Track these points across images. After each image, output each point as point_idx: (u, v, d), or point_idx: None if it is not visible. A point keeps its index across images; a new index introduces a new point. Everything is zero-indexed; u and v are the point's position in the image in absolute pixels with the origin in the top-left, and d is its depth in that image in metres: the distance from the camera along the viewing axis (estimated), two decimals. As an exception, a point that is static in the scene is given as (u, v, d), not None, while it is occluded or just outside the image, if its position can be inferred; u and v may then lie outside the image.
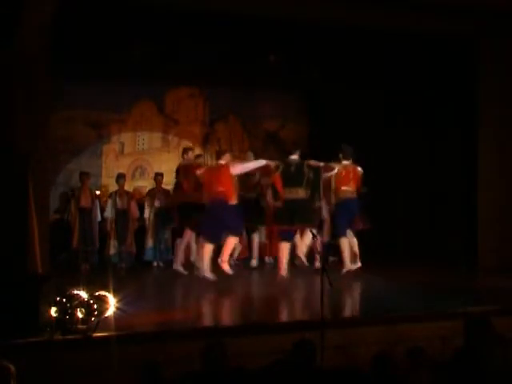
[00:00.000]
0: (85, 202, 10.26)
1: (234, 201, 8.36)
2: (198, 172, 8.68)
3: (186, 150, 9.67)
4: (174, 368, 4.18)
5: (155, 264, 10.47)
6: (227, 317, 6.74)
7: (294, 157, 8.51)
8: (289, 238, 8.41)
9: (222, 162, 8.49)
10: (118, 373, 4.91)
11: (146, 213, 10.62)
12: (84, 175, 10.42)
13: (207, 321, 6.51)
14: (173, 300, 7.45)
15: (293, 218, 8.26)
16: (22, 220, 5.76)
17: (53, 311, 5.19)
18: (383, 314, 6.64)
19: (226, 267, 8.27)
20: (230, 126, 12.66)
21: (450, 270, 9.28)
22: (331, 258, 9.99)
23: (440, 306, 6.65)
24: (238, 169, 8.57)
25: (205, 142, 12.33)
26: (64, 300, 5.21)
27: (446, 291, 7.55)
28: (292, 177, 8.35)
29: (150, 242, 10.52)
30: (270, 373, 3.94)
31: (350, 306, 7.45)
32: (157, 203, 10.46)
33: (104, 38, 9.25)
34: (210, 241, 8.28)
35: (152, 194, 10.70)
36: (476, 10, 8.71)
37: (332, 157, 8.87)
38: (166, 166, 11.95)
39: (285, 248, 8.33)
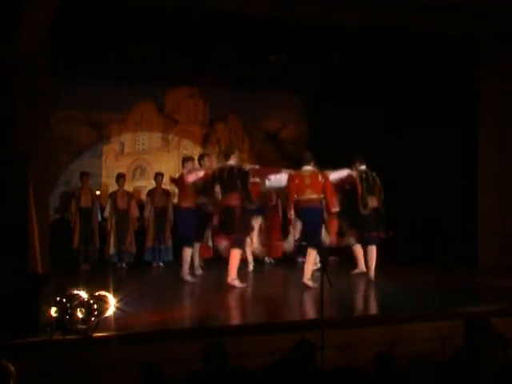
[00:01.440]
0: (85, 202, 10.27)
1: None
2: (274, 176, 8.59)
3: (231, 154, 8.54)
4: (174, 368, 4.18)
5: (155, 264, 10.48)
6: (227, 317, 6.73)
7: (364, 167, 8.85)
8: (373, 242, 8.77)
9: (311, 167, 8.29)
10: (118, 373, 4.91)
11: (146, 213, 10.62)
12: (84, 175, 10.43)
13: (207, 321, 6.50)
14: (173, 300, 7.44)
15: (368, 226, 8.73)
16: (22, 220, 5.76)
17: (53, 311, 5.19)
18: (383, 314, 6.65)
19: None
20: (230, 126, 12.65)
21: (449, 270, 9.28)
22: (332, 258, 10.00)
23: (440, 305, 6.65)
24: (332, 177, 8.57)
25: (205, 141, 12.33)
26: (64, 300, 5.21)
27: (446, 291, 7.55)
28: (369, 186, 8.79)
29: (149, 242, 10.53)
30: (270, 373, 3.93)
31: (350, 305, 7.44)
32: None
33: (104, 37, 9.24)
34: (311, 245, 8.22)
35: (152, 193, 10.70)
36: (476, 11, 8.71)
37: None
38: (166, 166, 11.95)
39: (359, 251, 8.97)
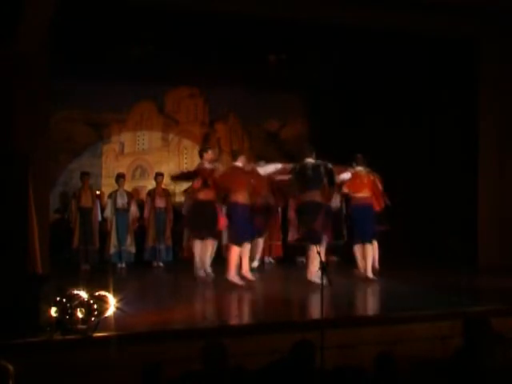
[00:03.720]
0: (85, 201, 10.26)
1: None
2: (344, 176, 8.68)
3: (313, 151, 8.42)
4: (174, 368, 4.18)
5: (155, 264, 10.48)
6: (227, 317, 6.73)
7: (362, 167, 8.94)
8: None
9: (362, 168, 8.80)
10: (118, 373, 4.91)
11: (146, 213, 10.62)
12: (85, 175, 10.42)
13: (207, 321, 6.50)
14: (173, 300, 7.44)
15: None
16: (22, 220, 5.76)
17: (53, 311, 5.18)
18: (383, 314, 6.65)
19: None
20: (230, 126, 12.66)
21: (449, 270, 9.28)
22: (332, 258, 9.99)
23: (440, 305, 6.65)
24: None
25: (205, 141, 12.33)
26: (64, 300, 5.21)
27: (446, 291, 7.55)
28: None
29: (150, 242, 10.53)
30: (269, 373, 3.94)
31: (350, 305, 7.44)
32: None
33: (104, 37, 9.25)
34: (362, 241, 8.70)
35: (152, 193, 10.71)
36: (476, 11, 8.71)
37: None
38: (166, 166, 11.96)
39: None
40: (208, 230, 8.61)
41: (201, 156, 8.89)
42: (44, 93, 7.46)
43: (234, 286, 7.89)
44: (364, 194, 8.72)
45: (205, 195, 8.53)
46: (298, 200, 8.34)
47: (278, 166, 8.61)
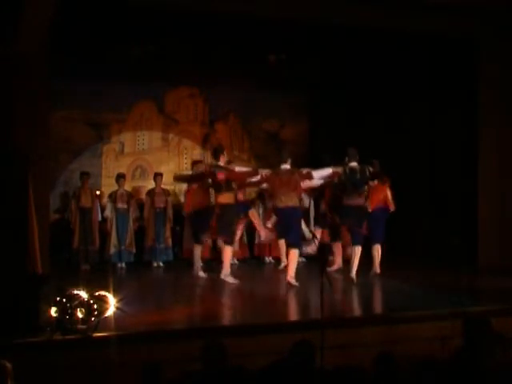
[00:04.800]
0: (85, 201, 10.26)
1: None
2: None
3: (357, 155, 8.53)
4: (174, 368, 4.18)
5: (155, 264, 10.47)
6: (227, 317, 6.73)
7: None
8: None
9: None
10: (118, 373, 4.91)
11: (146, 213, 10.62)
12: (84, 175, 10.42)
13: (207, 321, 6.50)
14: (172, 300, 7.45)
15: None
16: (22, 220, 5.76)
17: (53, 311, 5.19)
18: (383, 314, 6.65)
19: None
20: (230, 126, 12.66)
21: (449, 270, 9.28)
22: (331, 258, 9.98)
23: (440, 305, 6.65)
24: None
25: (205, 141, 12.33)
26: (64, 300, 5.21)
27: (446, 291, 7.55)
28: None
29: (149, 242, 10.52)
30: (269, 373, 3.93)
31: (350, 305, 7.44)
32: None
33: (104, 37, 9.26)
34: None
35: (152, 193, 10.70)
36: (476, 11, 8.71)
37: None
38: (166, 166, 11.95)
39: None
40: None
41: (217, 157, 8.58)
42: (44, 93, 7.46)
43: (233, 286, 7.98)
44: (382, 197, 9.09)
45: (227, 199, 8.40)
46: (342, 202, 8.36)
47: (330, 170, 8.54)
